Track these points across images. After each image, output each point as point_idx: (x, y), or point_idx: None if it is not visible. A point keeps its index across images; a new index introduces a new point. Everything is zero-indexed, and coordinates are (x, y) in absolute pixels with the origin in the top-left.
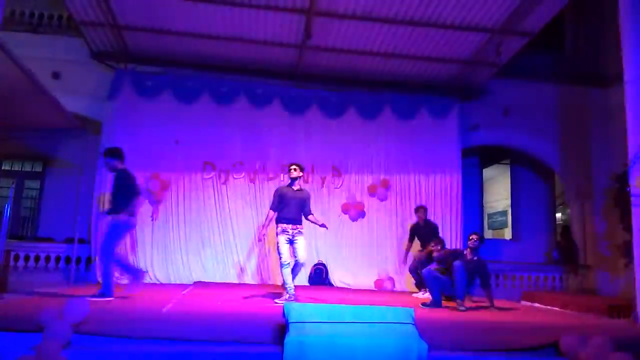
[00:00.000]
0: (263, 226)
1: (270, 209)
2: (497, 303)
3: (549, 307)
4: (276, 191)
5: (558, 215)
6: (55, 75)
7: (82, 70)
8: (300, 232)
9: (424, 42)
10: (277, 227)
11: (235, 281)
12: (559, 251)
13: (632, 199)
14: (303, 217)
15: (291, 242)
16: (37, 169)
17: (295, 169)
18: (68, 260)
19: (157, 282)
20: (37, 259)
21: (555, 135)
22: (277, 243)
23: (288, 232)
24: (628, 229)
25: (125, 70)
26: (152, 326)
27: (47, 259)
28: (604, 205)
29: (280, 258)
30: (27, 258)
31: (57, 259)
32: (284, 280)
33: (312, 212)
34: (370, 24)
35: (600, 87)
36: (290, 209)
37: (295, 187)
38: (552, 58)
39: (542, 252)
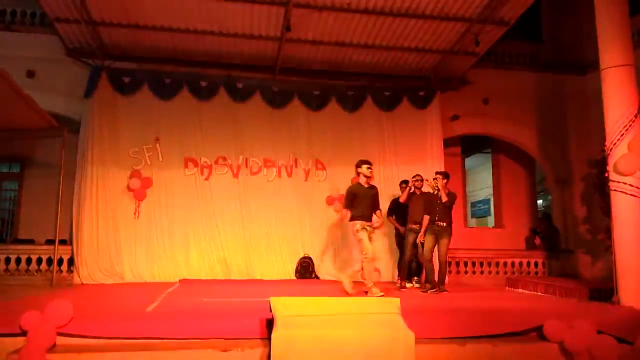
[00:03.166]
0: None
1: (345, 207)
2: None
3: (532, 292)
4: (348, 191)
5: (539, 201)
6: (30, 74)
7: (58, 68)
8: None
9: (404, 32)
10: (355, 224)
11: (222, 277)
12: (540, 237)
13: (611, 183)
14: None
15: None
16: (14, 170)
17: (369, 168)
18: (50, 262)
19: (142, 281)
20: (17, 261)
21: (534, 122)
22: (360, 240)
23: (367, 228)
24: (607, 213)
25: (101, 66)
26: (137, 326)
27: (28, 261)
28: (584, 191)
29: (364, 254)
30: (7, 261)
31: (39, 261)
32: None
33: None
34: (350, 15)
35: (577, 74)
36: (364, 206)
37: (367, 185)
38: (530, 46)
39: (525, 238)
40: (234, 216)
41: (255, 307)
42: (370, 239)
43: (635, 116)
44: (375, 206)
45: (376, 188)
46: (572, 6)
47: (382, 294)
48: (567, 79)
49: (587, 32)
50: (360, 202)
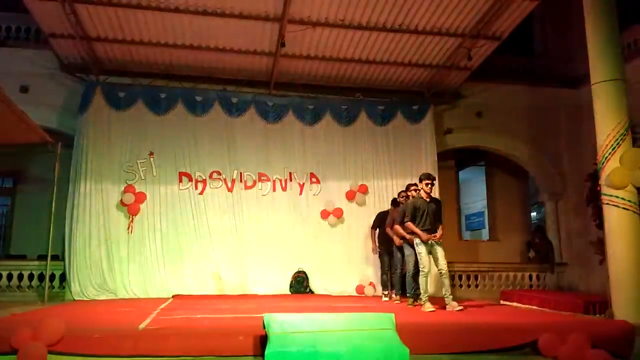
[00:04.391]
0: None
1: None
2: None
3: (527, 305)
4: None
5: (533, 214)
6: (24, 89)
7: (52, 83)
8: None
9: (398, 47)
10: (415, 238)
11: (216, 293)
12: (534, 250)
13: (603, 197)
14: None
15: (430, 252)
16: (7, 185)
17: (428, 184)
18: (42, 278)
19: (135, 297)
20: (9, 277)
21: (527, 135)
22: (419, 253)
23: (428, 242)
24: (601, 226)
25: (96, 82)
26: (129, 343)
27: (20, 277)
28: (577, 204)
29: (422, 267)
30: None
31: (31, 276)
32: (420, 288)
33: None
34: (344, 30)
35: (569, 88)
36: (425, 220)
37: (428, 199)
38: (523, 61)
39: (519, 251)
40: (228, 231)
41: (249, 324)
42: (431, 252)
43: (627, 130)
44: (437, 219)
45: (439, 201)
46: (563, 20)
47: (433, 309)
48: (559, 92)
49: (578, 46)
50: (422, 216)
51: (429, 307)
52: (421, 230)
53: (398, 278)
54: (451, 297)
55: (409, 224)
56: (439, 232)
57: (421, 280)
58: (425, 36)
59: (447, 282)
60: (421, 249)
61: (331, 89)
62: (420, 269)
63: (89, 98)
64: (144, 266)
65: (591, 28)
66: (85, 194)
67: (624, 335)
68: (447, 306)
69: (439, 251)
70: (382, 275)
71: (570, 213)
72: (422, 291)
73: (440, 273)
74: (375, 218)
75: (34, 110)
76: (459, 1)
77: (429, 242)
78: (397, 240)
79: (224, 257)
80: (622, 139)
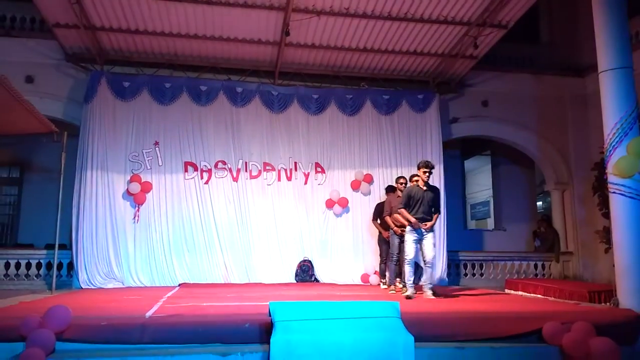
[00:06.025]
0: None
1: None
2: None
3: (532, 294)
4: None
5: (539, 203)
6: (29, 79)
7: (57, 73)
8: (428, 231)
9: (403, 36)
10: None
11: (221, 281)
12: (540, 239)
13: (609, 186)
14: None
15: (419, 240)
16: (14, 174)
17: (425, 172)
18: (49, 266)
19: (142, 285)
20: (17, 266)
21: (533, 125)
22: (405, 241)
23: (417, 230)
24: (607, 215)
25: (101, 71)
26: (136, 331)
27: (28, 265)
28: (583, 193)
29: (405, 255)
30: (7, 265)
31: (38, 265)
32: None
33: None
34: (349, 19)
35: (576, 76)
36: (418, 208)
37: (425, 187)
38: (529, 49)
39: (525, 240)
40: (234, 220)
41: (255, 312)
42: (421, 242)
43: (634, 118)
44: (433, 207)
45: (436, 190)
46: (570, 8)
47: (406, 295)
48: (565, 81)
49: (585, 34)
50: (415, 203)
51: (408, 294)
52: (414, 218)
53: (394, 266)
54: (430, 285)
55: (402, 211)
56: (430, 222)
57: (405, 267)
58: (430, 25)
59: (429, 271)
60: (408, 237)
61: (336, 79)
62: (405, 256)
63: (94, 88)
64: (151, 255)
65: (599, 15)
66: (91, 184)
67: (629, 324)
68: (424, 294)
69: (428, 240)
70: (380, 264)
71: (576, 202)
72: (405, 278)
73: (424, 262)
74: (374, 209)
75: (40, 101)
76: None
77: (420, 230)
78: (395, 229)
79: (229, 245)
80: (629, 127)
